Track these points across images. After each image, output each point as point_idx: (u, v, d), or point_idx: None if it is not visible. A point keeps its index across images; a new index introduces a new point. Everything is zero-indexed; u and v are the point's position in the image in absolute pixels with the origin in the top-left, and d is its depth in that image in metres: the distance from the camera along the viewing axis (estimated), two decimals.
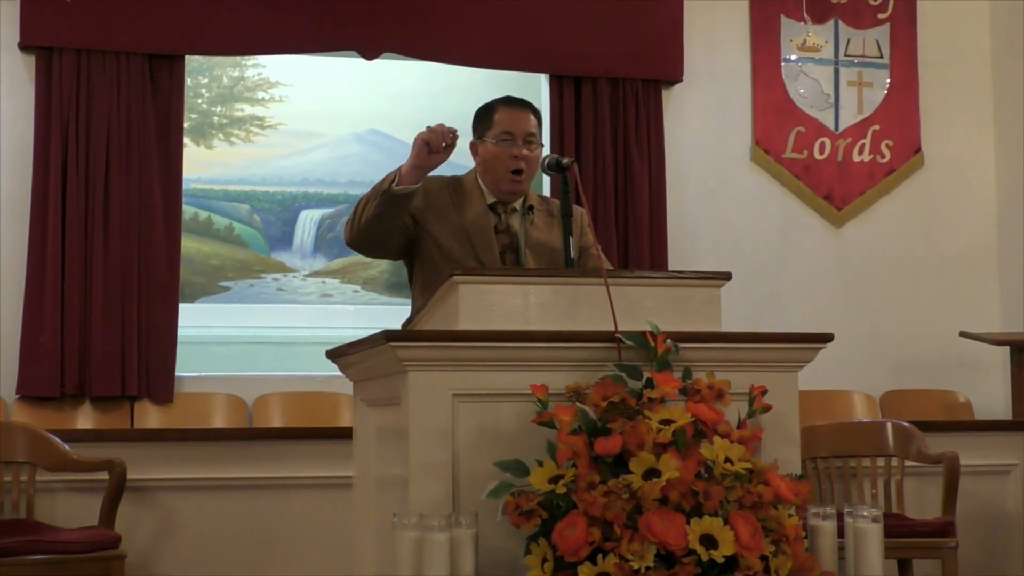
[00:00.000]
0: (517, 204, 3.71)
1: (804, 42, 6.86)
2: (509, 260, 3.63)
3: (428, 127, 3.36)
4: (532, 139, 3.65)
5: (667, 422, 2.52)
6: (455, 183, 3.71)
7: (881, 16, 6.95)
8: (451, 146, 3.37)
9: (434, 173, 3.49)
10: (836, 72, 6.89)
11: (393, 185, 3.40)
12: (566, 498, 2.48)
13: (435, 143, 3.34)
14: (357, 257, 6.58)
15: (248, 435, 5.23)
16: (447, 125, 3.37)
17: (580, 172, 6.00)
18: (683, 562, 2.40)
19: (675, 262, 6.40)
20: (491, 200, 3.68)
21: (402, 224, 3.58)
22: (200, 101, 6.65)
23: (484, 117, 3.71)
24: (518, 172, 3.62)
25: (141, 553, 4.82)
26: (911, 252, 6.82)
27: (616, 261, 6.15)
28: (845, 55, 6.91)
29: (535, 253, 3.64)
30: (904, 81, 6.93)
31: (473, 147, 3.72)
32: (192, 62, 6.38)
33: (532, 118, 3.68)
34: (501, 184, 3.65)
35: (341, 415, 5.79)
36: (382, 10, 6.19)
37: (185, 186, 6.08)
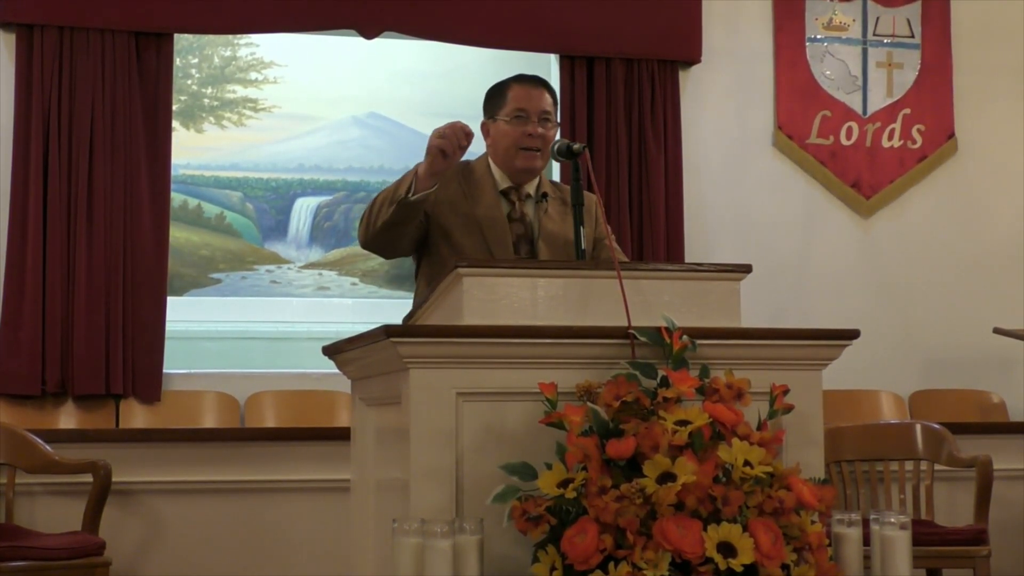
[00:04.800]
0: (531, 190, 3.72)
1: (830, 20, 6.85)
2: (523, 251, 3.64)
3: (439, 132, 3.35)
4: (547, 117, 3.66)
5: (683, 423, 2.52)
6: (465, 170, 3.72)
7: None
8: (465, 147, 3.36)
9: None
10: (864, 52, 6.89)
11: (409, 195, 3.40)
12: (576, 503, 2.48)
13: (449, 149, 3.34)
14: (355, 248, 6.59)
15: (240, 436, 5.25)
16: (458, 122, 3.36)
17: (592, 158, 6.09)
18: (700, 571, 2.41)
19: (692, 254, 6.41)
20: (504, 186, 3.70)
21: (416, 222, 3.59)
22: (189, 82, 6.66)
23: (496, 96, 3.73)
24: (530, 148, 3.63)
25: (126, 560, 4.85)
26: (943, 244, 6.81)
27: (630, 252, 6.16)
28: (874, 34, 6.90)
29: (549, 245, 3.66)
30: (937, 62, 6.92)
31: (485, 128, 3.74)
32: (181, 40, 6.39)
33: (547, 95, 3.69)
34: (515, 161, 3.66)
35: (338, 415, 5.80)
36: None
37: (174, 172, 6.09)
